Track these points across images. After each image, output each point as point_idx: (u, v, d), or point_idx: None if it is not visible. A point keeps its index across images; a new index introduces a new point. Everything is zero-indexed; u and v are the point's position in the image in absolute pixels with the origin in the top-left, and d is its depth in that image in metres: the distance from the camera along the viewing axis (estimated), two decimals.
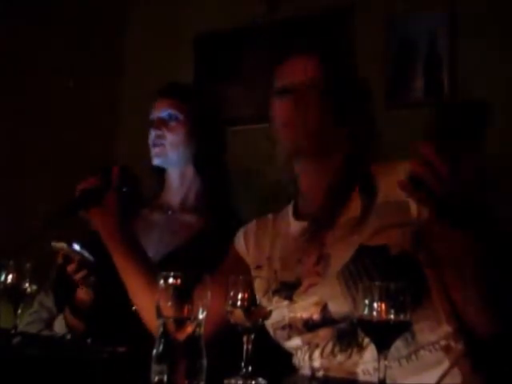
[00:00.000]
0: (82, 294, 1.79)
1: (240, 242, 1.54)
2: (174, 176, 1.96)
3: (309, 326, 1.28)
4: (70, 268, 1.70)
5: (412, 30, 2.70)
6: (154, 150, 1.91)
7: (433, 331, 1.24)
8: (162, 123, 1.91)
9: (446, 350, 1.24)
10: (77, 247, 1.67)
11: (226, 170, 1.97)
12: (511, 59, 2.47)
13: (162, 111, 1.92)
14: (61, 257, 1.71)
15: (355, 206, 1.34)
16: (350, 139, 1.40)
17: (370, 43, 2.68)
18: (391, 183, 1.27)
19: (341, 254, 1.29)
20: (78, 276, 1.72)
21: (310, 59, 1.43)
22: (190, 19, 3.25)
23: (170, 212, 1.95)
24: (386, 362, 1.01)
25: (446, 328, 1.25)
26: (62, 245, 1.67)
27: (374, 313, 0.99)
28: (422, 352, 1.23)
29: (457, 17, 2.60)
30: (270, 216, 1.56)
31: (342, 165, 1.40)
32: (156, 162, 1.93)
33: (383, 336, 1.01)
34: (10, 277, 1.48)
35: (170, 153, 1.90)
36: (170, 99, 1.93)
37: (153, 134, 1.91)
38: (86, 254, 1.68)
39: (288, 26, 2.94)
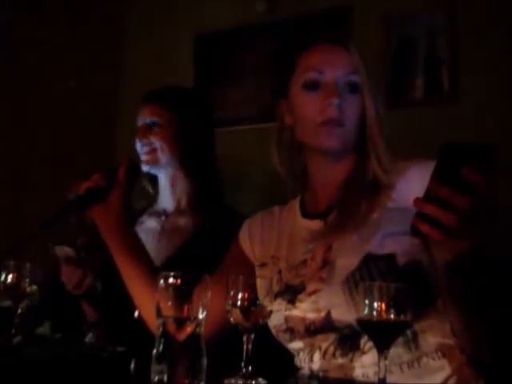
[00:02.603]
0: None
1: (245, 237, 1.48)
2: (165, 181, 1.96)
3: (310, 332, 1.26)
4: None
5: (412, 30, 2.70)
6: (145, 158, 1.92)
7: (437, 340, 1.22)
8: (146, 130, 1.92)
9: (450, 357, 1.22)
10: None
11: (215, 170, 1.97)
12: (511, 59, 2.47)
13: (145, 118, 1.94)
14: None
15: (365, 210, 1.29)
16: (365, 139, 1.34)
17: (369, 43, 2.68)
18: (401, 188, 1.26)
19: (347, 261, 1.25)
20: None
21: (344, 51, 1.35)
22: (189, 19, 3.26)
23: (163, 217, 1.96)
24: (387, 362, 1.01)
25: (451, 337, 1.23)
26: (67, 250, 1.68)
27: (374, 313, 0.99)
28: (424, 359, 1.21)
29: (457, 17, 2.60)
30: (276, 208, 1.50)
31: (355, 165, 1.35)
32: (146, 169, 1.93)
33: (383, 336, 1.01)
34: (9, 277, 1.47)
35: (160, 158, 1.91)
36: (151, 105, 1.94)
37: (139, 141, 1.93)
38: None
39: (288, 26, 2.95)
